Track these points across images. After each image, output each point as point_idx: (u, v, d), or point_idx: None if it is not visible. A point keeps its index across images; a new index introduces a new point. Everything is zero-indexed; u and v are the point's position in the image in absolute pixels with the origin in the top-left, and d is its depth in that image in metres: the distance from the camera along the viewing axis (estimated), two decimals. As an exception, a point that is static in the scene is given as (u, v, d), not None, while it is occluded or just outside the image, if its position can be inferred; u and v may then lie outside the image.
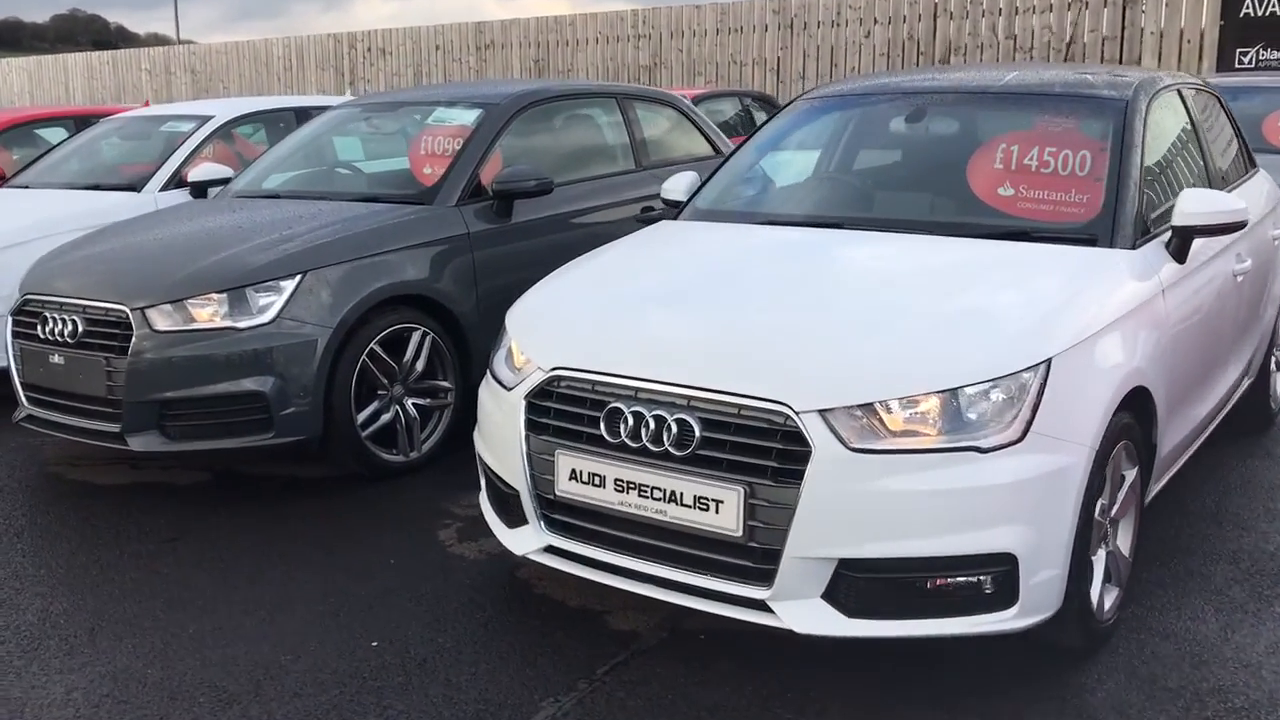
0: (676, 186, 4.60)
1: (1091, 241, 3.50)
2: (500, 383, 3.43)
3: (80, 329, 4.49)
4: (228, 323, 4.36)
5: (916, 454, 2.76)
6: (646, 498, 2.99)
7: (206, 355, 4.33)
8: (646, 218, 5.92)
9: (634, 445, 3.00)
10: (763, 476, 2.83)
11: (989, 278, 3.32)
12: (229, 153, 7.58)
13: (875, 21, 14.18)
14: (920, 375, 2.84)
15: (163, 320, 4.37)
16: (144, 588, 3.73)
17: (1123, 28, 12.39)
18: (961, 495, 2.75)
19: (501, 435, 3.37)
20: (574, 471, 3.12)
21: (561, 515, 3.20)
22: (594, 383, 3.12)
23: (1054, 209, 3.76)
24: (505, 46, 18.32)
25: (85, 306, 4.53)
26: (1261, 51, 11.61)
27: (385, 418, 4.70)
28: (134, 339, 4.34)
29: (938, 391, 2.80)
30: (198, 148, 7.23)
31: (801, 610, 2.85)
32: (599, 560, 3.15)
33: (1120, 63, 12.41)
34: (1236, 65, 11.67)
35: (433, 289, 4.86)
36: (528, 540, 3.32)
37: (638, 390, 3.04)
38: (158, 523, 4.32)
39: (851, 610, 2.83)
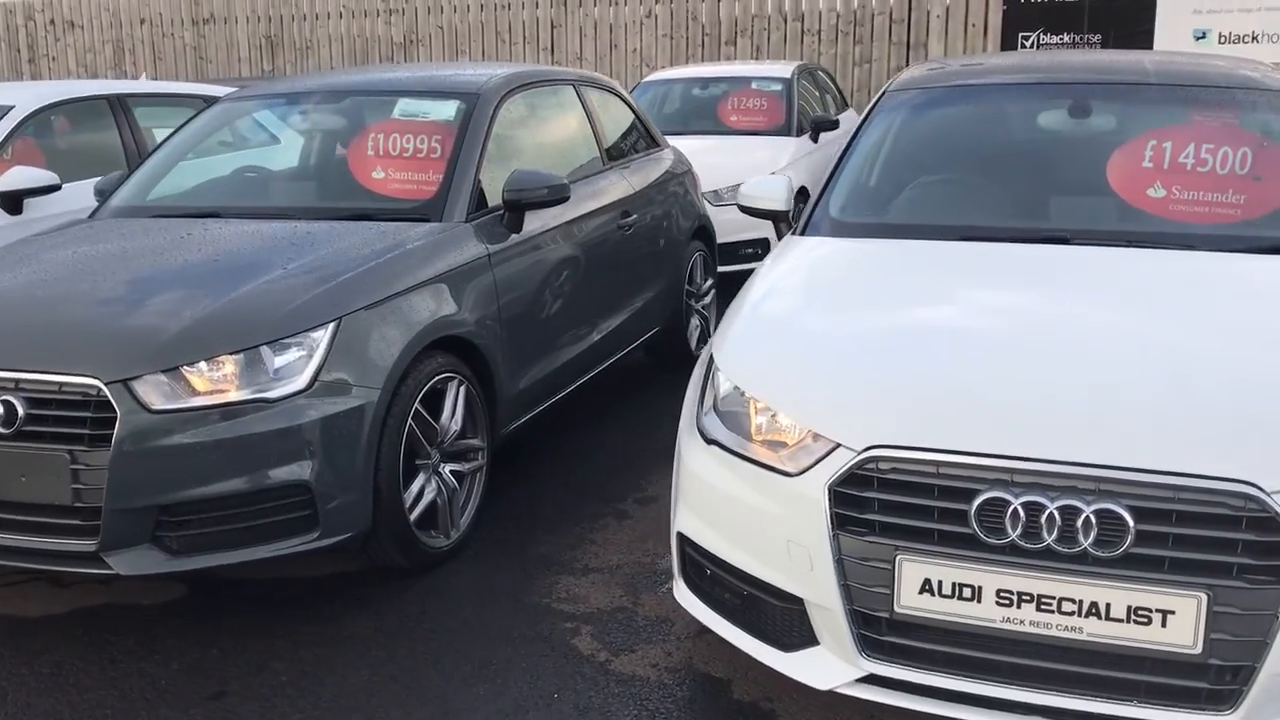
0: (768, 194, 3.92)
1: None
2: (754, 461, 2.65)
3: (20, 413, 3.21)
4: (251, 393, 3.24)
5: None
6: (1050, 612, 2.34)
7: (227, 440, 3.19)
8: (627, 224, 5.20)
9: (1032, 547, 2.33)
10: (1227, 576, 2.25)
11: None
12: (34, 153, 6.04)
13: (656, 1, 13.70)
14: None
15: (157, 396, 3.18)
16: (241, 785, 2.66)
17: (909, 10, 12.59)
18: None
19: (770, 531, 2.60)
20: (928, 583, 2.41)
21: (898, 637, 2.48)
22: (939, 464, 2.42)
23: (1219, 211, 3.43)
24: (229, 20, 16.41)
25: (20, 381, 3.24)
26: (1042, 35, 12.13)
27: (429, 495, 3.72)
28: (119, 424, 3.13)
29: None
30: (-1, 147, 5.70)
31: (1271, 736, 2.31)
32: (954, 691, 2.46)
33: (908, 45, 12.62)
34: (1020, 48, 12.13)
35: (467, 327, 3.89)
36: (833, 669, 2.56)
37: (1013, 473, 2.37)
38: (170, 670, 3.17)
39: (1327, 729, 2.32)
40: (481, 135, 4.38)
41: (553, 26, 14.32)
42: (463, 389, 3.85)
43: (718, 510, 2.76)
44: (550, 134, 5.08)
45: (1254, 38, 11.65)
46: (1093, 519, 2.29)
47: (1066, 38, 12.14)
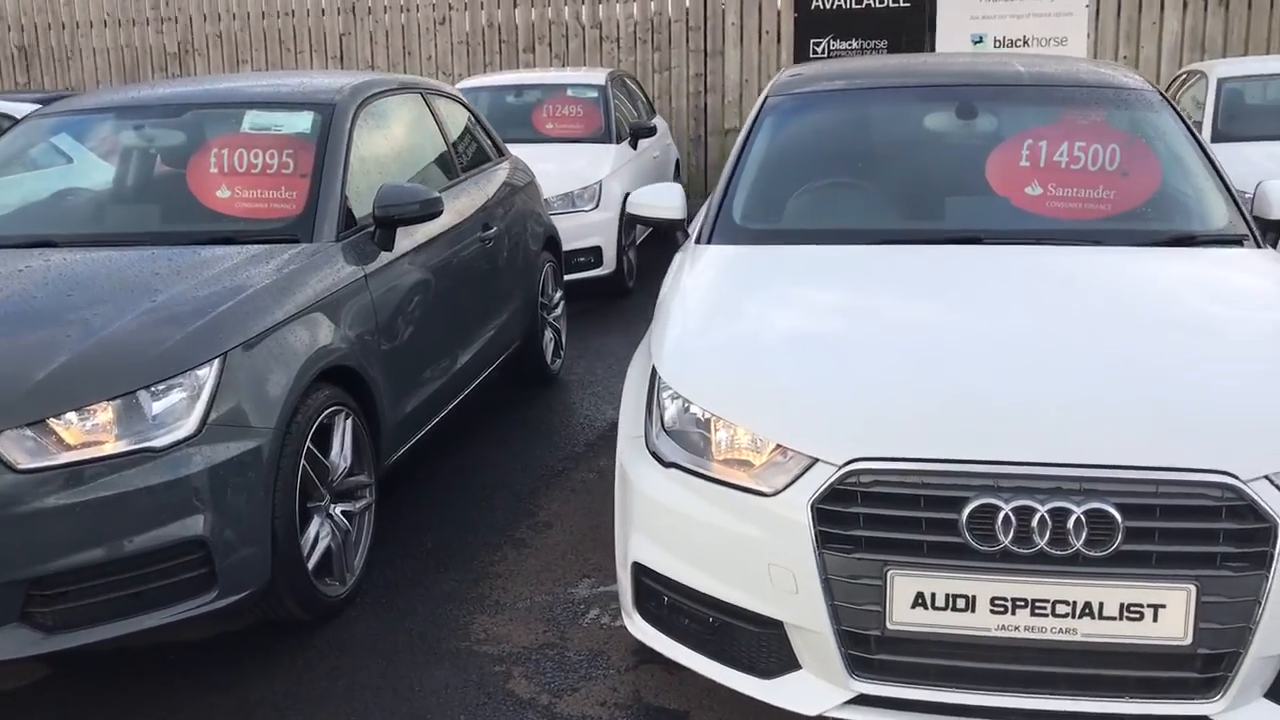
0: (663, 202, 3.81)
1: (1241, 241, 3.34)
2: (724, 483, 2.53)
3: None
4: (131, 443, 2.88)
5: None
6: (1044, 615, 2.32)
7: (107, 497, 2.82)
8: (488, 236, 4.99)
9: (1024, 551, 2.31)
10: (1211, 566, 2.29)
11: (1245, 292, 3.03)
12: None
13: (450, 7, 13.38)
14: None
15: (22, 453, 2.78)
16: None
17: (705, 18, 12.75)
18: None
19: (746, 554, 2.50)
20: (920, 596, 2.35)
21: (888, 654, 2.41)
22: (924, 474, 2.37)
23: (1091, 206, 3.58)
24: (-27, 29, 15.04)
25: None
26: (832, 41, 12.52)
27: (325, 540, 3.42)
28: (-21, 489, 2.72)
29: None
30: None
31: (1253, 717, 2.36)
32: (945, 703, 2.42)
33: (705, 53, 12.78)
34: (811, 55, 12.48)
35: (352, 354, 3.62)
36: (820, 693, 2.47)
37: (998, 478, 2.34)
38: (53, 766, 2.78)
39: (1299, 706, 2.39)
40: (343, 147, 4.09)
41: (340, 35, 13.78)
42: (349, 422, 3.57)
43: (682, 536, 2.63)
44: (406, 145, 4.81)
45: (1025, 41, 12.36)
46: (1084, 519, 2.28)
47: (854, 43, 12.57)
